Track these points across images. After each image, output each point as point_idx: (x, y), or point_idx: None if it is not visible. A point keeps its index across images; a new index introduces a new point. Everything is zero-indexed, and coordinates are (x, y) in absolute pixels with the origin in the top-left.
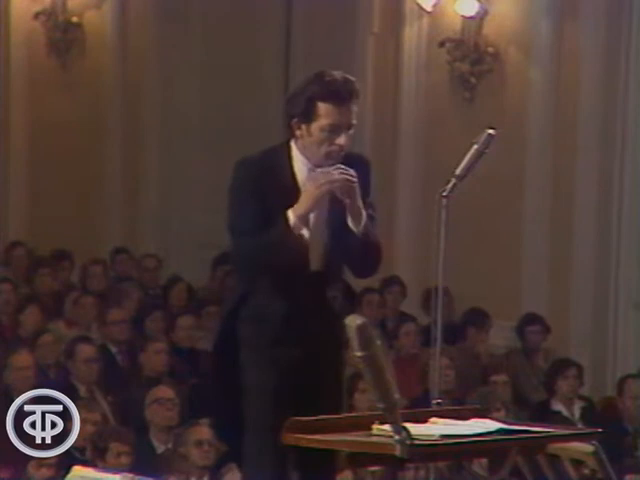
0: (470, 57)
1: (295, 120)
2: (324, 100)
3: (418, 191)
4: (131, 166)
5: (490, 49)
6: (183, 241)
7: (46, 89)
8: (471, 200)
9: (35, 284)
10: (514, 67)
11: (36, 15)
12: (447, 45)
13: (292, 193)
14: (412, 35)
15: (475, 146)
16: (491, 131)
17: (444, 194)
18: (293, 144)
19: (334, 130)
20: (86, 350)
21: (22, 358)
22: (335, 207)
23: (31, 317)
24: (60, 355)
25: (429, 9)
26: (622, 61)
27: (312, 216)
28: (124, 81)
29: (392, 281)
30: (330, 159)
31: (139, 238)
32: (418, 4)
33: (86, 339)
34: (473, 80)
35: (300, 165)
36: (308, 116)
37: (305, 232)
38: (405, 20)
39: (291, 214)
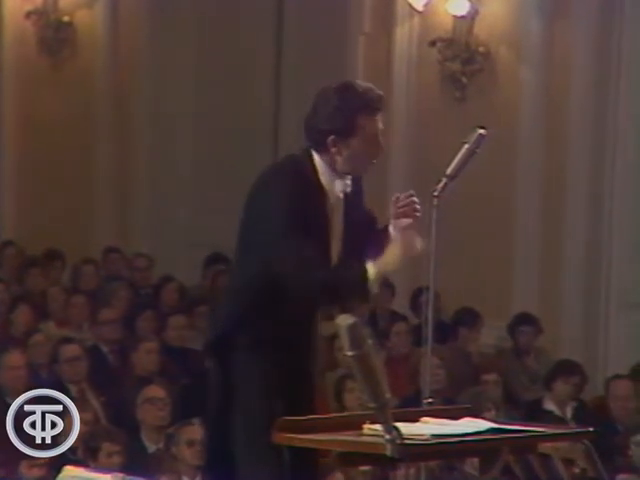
0: (461, 56)
1: (333, 137)
2: (365, 112)
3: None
4: (122, 165)
5: (481, 49)
6: (174, 240)
7: (37, 88)
8: (462, 199)
9: (26, 284)
10: (505, 67)
11: (27, 14)
12: (438, 45)
13: (322, 204)
14: (403, 35)
15: (466, 146)
16: (482, 131)
17: (435, 194)
18: (315, 155)
19: (373, 140)
20: (69, 350)
21: (14, 358)
22: (351, 234)
23: (22, 317)
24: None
25: (420, 9)
26: (613, 60)
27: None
28: (115, 80)
29: (382, 282)
30: (365, 171)
31: (130, 237)
32: (409, 4)
33: (69, 339)
34: (464, 79)
35: (325, 176)
36: (349, 131)
37: (375, 289)
38: (396, 20)
39: (373, 270)
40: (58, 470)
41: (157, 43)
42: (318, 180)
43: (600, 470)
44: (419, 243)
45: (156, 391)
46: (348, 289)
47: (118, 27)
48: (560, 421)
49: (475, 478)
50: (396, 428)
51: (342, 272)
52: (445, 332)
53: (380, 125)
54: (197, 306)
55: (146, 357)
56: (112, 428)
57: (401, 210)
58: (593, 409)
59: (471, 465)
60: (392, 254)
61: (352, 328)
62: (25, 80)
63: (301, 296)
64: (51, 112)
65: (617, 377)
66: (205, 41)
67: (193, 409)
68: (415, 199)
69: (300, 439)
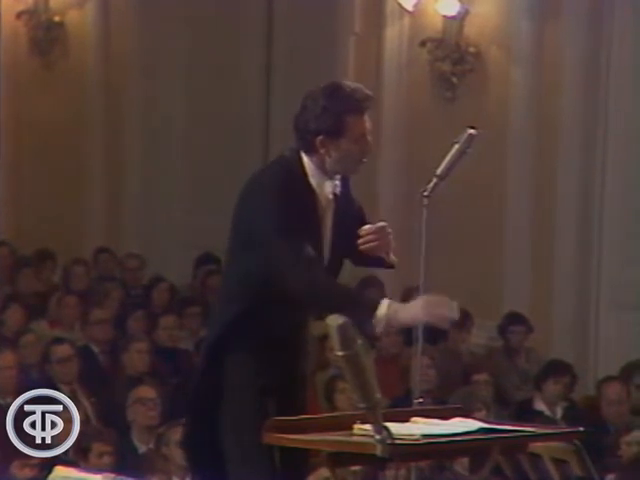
0: (451, 57)
1: (321, 137)
2: (353, 112)
3: (399, 191)
4: (114, 165)
5: (471, 49)
6: (165, 241)
7: (28, 88)
8: (452, 199)
9: (18, 284)
10: (495, 67)
11: (19, 14)
12: (428, 45)
13: (313, 206)
14: (393, 35)
15: (456, 146)
16: (472, 131)
17: (425, 194)
18: (304, 156)
19: (362, 140)
20: (60, 350)
21: (5, 358)
22: (338, 238)
23: (14, 316)
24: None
25: (410, 9)
26: (603, 60)
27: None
28: (106, 80)
29: (371, 281)
30: (355, 171)
31: (121, 238)
32: (399, 4)
33: (60, 340)
34: (454, 80)
35: (314, 178)
36: (338, 131)
37: (379, 329)
38: (386, 20)
39: (385, 310)
40: (49, 470)
41: (148, 43)
42: (308, 182)
43: (591, 470)
44: (450, 312)
45: (147, 391)
46: (352, 315)
47: (109, 27)
48: (550, 421)
49: (465, 478)
50: (386, 428)
51: (354, 297)
52: (435, 332)
53: (368, 125)
54: (188, 306)
55: (137, 357)
56: (103, 428)
57: (373, 244)
58: (583, 409)
59: (461, 465)
60: (412, 308)
61: (342, 328)
62: (16, 80)
63: (300, 295)
64: (42, 112)
65: (609, 379)
66: (195, 41)
67: (184, 409)
68: (387, 229)
69: (290, 439)
